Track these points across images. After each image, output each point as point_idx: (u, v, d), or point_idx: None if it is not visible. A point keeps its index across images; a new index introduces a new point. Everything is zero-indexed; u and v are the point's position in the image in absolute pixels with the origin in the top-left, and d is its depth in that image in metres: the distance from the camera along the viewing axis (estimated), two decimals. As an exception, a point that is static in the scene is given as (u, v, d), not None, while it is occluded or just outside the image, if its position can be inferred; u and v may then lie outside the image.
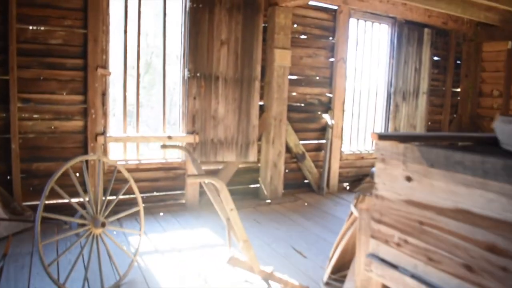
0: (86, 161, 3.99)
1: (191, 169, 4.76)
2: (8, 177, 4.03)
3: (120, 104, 4.95)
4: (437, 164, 1.67)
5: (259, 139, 5.33)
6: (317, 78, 5.80)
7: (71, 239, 3.41)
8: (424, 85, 6.63)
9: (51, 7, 4.08)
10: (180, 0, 4.75)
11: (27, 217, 3.85)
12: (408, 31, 6.33)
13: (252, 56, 5.03)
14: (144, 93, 11.52)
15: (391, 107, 6.39)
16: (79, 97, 4.30)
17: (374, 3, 5.84)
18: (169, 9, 4.75)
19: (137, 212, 3.10)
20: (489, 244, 1.50)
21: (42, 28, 4.08)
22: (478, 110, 7.19)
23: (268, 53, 5.23)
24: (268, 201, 5.31)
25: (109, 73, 4.36)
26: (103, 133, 4.33)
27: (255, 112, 5.12)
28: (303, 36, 5.63)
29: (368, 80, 6.36)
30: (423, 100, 6.65)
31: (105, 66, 4.33)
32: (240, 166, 5.26)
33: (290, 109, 5.50)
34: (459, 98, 7.27)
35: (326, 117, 5.86)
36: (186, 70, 4.76)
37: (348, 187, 6.20)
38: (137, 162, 4.72)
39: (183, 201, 4.96)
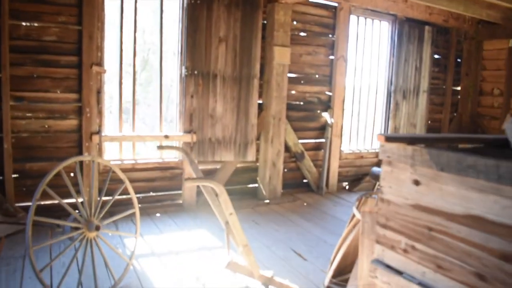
0: (81, 162, 3.90)
1: (188, 169, 4.68)
2: (1, 178, 3.94)
3: (116, 101, 4.87)
4: (448, 168, 1.59)
5: (258, 138, 5.25)
6: (317, 76, 5.72)
7: (65, 242, 3.32)
8: (424, 84, 6.56)
9: (45, 2, 3.98)
10: (177, -4, 4.67)
11: (20, 219, 3.75)
12: (408, 29, 6.25)
13: (251, 54, 4.93)
14: (141, 90, 11.42)
15: (391, 106, 6.31)
16: (74, 96, 4.20)
17: (375, 0, 5.77)
18: (166, 5, 4.68)
19: (133, 214, 3.01)
20: (503, 252, 1.43)
21: (36, 24, 3.98)
22: (479, 109, 7.13)
23: (267, 51, 5.14)
24: (267, 201, 5.23)
25: (104, 71, 4.27)
26: (98, 132, 4.24)
27: (253, 110, 5.03)
28: (302, 34, 5.54)
29: (368, 78, 6.29)
30: (423, 98, 6.58)
31: (100, 63, 4.23)
32: (239, 165, 5.18)
33: (289, 107, 5.42)
34: (459, 96, 7.21)
35: (325, 115, 5.78)
36: (183, 67, 4.67)
37: (347, 187, 6.13)
38: (133, 161, 4.63)
39: (180, 202, 4.87)
